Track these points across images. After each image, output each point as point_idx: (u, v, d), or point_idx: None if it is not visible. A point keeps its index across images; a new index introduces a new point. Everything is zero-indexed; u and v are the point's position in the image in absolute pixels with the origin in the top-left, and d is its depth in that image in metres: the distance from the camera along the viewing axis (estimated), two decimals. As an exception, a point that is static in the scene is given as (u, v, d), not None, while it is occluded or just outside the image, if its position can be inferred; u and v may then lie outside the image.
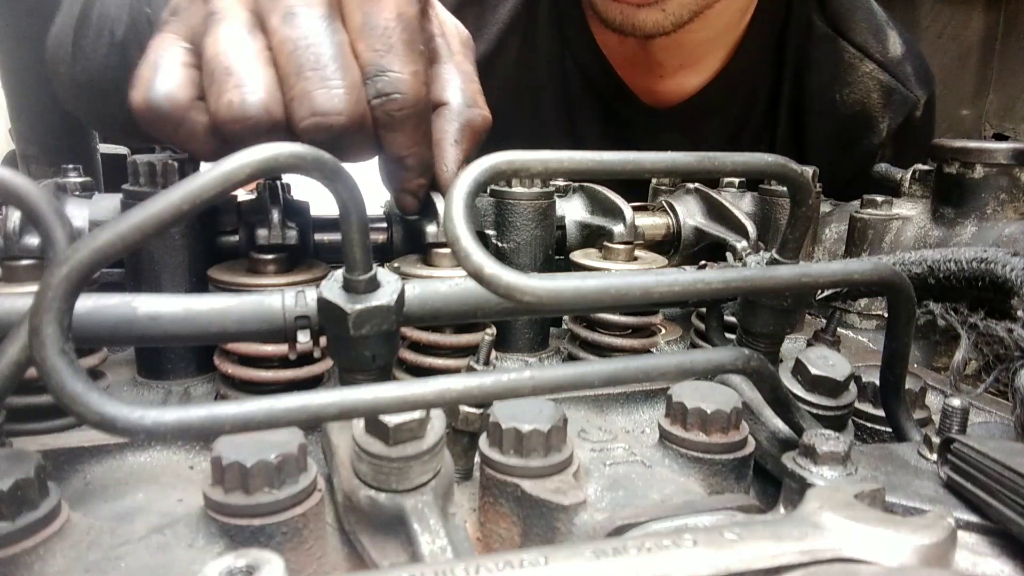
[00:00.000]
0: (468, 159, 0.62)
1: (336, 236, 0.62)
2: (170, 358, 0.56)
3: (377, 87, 0.50)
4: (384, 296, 0.38)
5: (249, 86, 0.48)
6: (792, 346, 0.68)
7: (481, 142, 0.63)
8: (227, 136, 0.49)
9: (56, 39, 0.97)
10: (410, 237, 0.66)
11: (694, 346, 0.66)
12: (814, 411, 0.47)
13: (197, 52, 0.51)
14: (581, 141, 1.25)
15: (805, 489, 0.34)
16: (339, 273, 0.39)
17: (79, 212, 0.58)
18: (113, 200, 0.59)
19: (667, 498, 0.39)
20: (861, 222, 0.80)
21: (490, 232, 0.64)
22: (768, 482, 0.46)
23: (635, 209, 0.68)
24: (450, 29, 0.63)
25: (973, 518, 0.35)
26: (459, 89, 0.61)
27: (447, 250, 0.58)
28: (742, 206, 0.78)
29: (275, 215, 0.55)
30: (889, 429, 0.49)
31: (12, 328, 0.34)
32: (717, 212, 0.75)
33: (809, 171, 0.71)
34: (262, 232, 0.55)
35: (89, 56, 0.91)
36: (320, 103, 0.48)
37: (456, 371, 0.54)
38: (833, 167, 1.22)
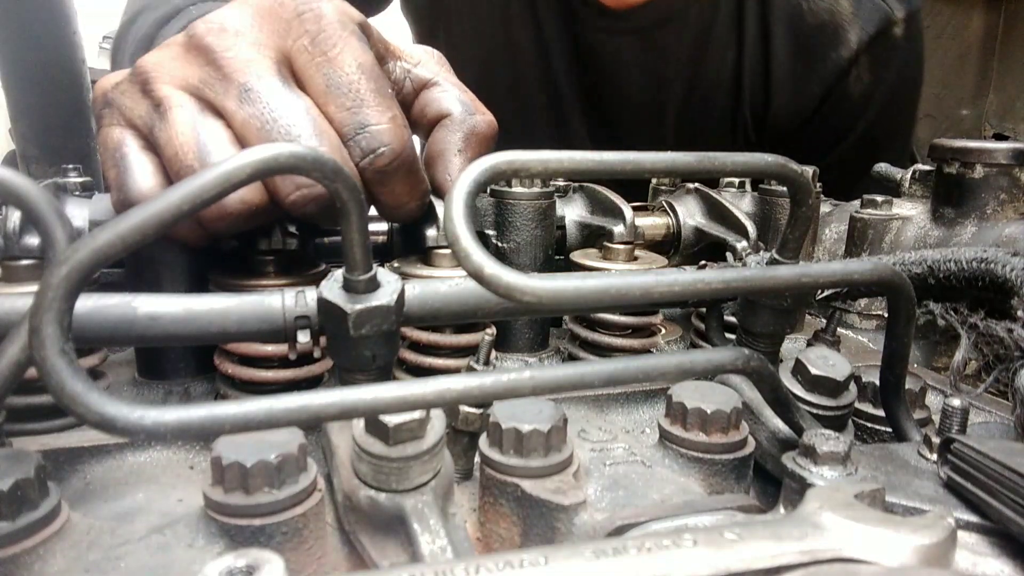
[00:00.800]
0: None
1: (336, 236, 0.62)
2: (170, 358, 0.56)
3: (361, 146, 0.49)
4: (384, 296, 0.38)
5: None
6: (792, 346, 0.68)
7: (489, 148, 0.62)
8: (213, 233, 0.49)
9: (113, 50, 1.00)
10: (410, 238, 0.66)
11: (694, 346, 0.66)
12: (814, 411, 0.47)
13: (147, 136, 0.50)
14: (545, 43, 1.26)
15: (805, 489, 0.34)
16: (339, 273, 0.39)
17: (79, 212, 0.58)
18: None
19: (667, 498, 0.39)
20: (861, 222, 0.80)
21: (490, 232, 0.64)
22: (768, 482, 0.46)
23: (635, 209, 0.68)
24: (421, 55, 0.62)
25: (973, 518, 0.35)
26: (457, 99, 0.60)
27: (447, 250, 0.58)
28: (742, 206, 0.77)
29: (276, 226, 0.55)
30: (889, 429, 0.49)
31: (12, 328, 0.34)
32: (717, 212, 0.75)
33: (809, 171, 0.71)
34: (262, 240, 0.55)
35: None
36: (302, 178, 0.47)
37: (456, 371, 0.54)
38: (801, 83, 1.21)
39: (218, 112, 0.49)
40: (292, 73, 0.50)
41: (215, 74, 0.48)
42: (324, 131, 0.48)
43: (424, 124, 0.61)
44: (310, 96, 0.50)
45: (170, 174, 0.49)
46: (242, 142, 0.48)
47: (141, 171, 0.49)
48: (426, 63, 0.61)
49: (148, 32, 0.98)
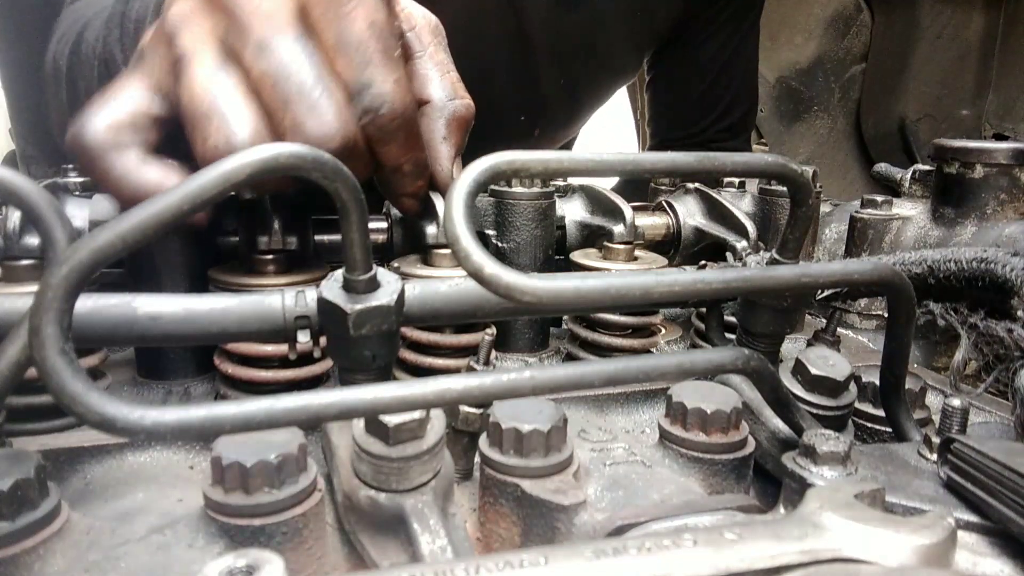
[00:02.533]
0: (459, 151, 0.62)
1: (336, 236, 0.62)
2: (170, 358, 0.56)
3: (364, 104, 0.50)
4: (384, 296, 0.38)
5: (233, 126, 0.47)
6: (792, 346, 0.68)
7: (469, 130, 0.63)
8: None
9: (50, 66, 0.96)
10: (410, 237, 0.66)
11: (694, 346, 0.66)
12: (814, 411, 0.47)
13: (165, 101, 0.50)
14: None
15: (805, 489, 0.34)
16: (339, 273, 0.39)
17: (79, 212, 0.58)
18: (113, 200, 0.59)
19: (667, 498, 0.39)
20: (861, 222, 0.80)
21: (490, 232, 0.64)
22: (768, 482, 0.46)
23: (635, 209, 0.68)
24: (418, 20, 0.62)
25: (973, 518, 0.35)
26: (438, 83, 0.60)
27: (447, 250, 0.58)
28: (742, 206, 0.77)
29: (276, 222, 0.55)
30: (889, 429, 0.49)
31: (12, 328, 0.34)
32: (717, 212, 0.75)
33: (809, 171, 0.71)
34: (263, 239, 0.55)
35: (80, 93, 0.90)
36: (312, 131, 0.47)
37: (456, 371, 0.54)
38: None
39: (238, 62, 0.49)
40: (308, 25, 0.50)
41: (234, 26, 0.49)
42: (333, 89, 0.49)
43: None
44: (321, 48, 0.50)
45: (185, 126, 0.49)
46: (257, 95, 0.49)
47: (115, 112, 0.50)
48: (420, 31, 0.62)
49: None
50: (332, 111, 0.48)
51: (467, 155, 0.71)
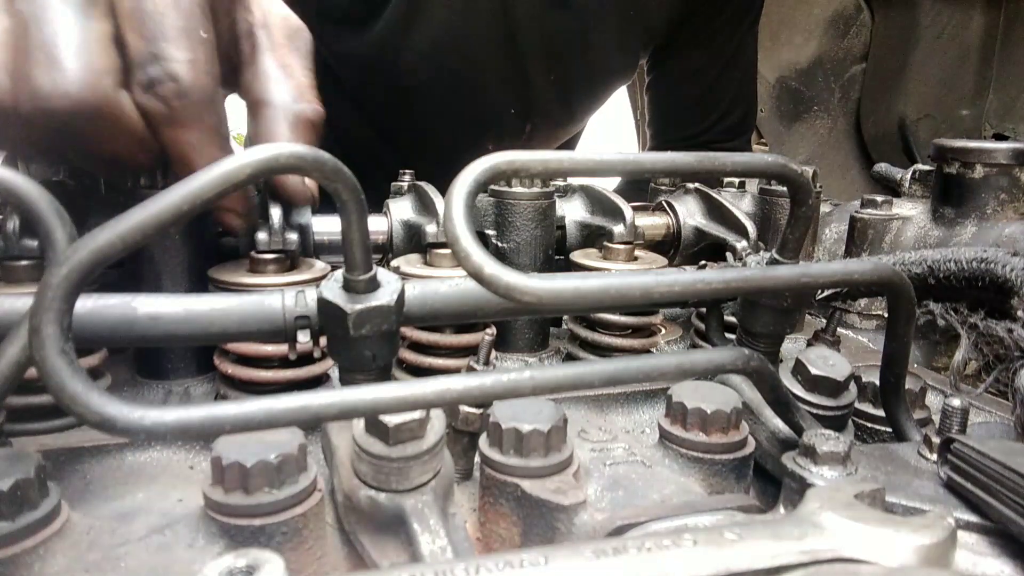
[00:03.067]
0: None
1: (336, 236, 0.62)
2: (170, 358, 0.56)
3: (147, 75, 0.46)
4: (384, 296, 0.38)
5: None
6: (792, 346, 0.68)
7: (319, 137, 0.58)
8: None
9: None
10: (410, 237, 0.66)
11: (694, 346, 0.66)
12: (814, 411, 0.47)
13: None
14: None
15: (805, 489, 0.34)
16: (339, 273, 0.39)
17: (79, 212, 0.58)
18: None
19: (667, 498, 0.39)
20: (861, 222, 0.80)
21: (490, 232, 0.64)
22: (768, 482, 0.46)
23: (635, 209, 0.68)
24: (273, 19, 0.58)
25: (973, 518, 0.35)
26: (281, 85, 0.57)
27: (447, 250, 0.58)
28: (742, 206, 0.78)
29: (275, 219, 0.55)
30: (889, 429, 0.49)
31: (12, 328, 0.34)
32: (717, 212, 0.75)
33: (809, 171, 0.71)
34: (262, 236, 0.55)
35: None
36: (41, 84, 0.44)
37: (456, 371, 0.54)
38: None
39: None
40: None
41: None
42: (92, 50, 0.45)
43: (248, 101, 0.58)
44: (110, 13, 0.47)
45: None
46: (12, 41, 0.45)
47: None
48: (272, 30, 0.58)
49: None
50: (75, 68, 0.44)
51: (457, 149, 0.70)
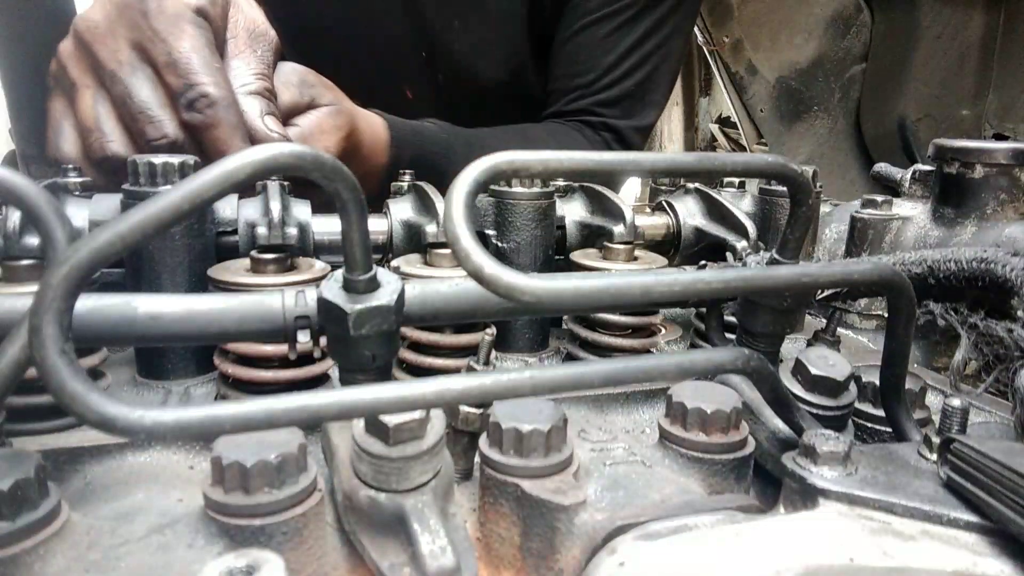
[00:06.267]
0: (270, 113, 0.75)
1: (336, 236, 0.62)
2: (170, 358, 0.56)
3: (188, 97, 0.68)
4: (384, 296, 0.38)
5: (107, 139, 0.70)
6: (792, 346, 0.68)
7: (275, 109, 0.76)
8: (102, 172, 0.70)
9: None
10: (410, 237, 0.66)
11: (694, 346, 0.66)
12: (814, 411, 0.47)
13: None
14: None
15: (805, 489, 0.34)
16: (339, 273, 0.39)
17: (79, 212, 0.58)
18: (113, 200, 0.59)
19: (667, 498, 0.39)
20: (861, 222, 0.80)
21: (490, 232, 0.64)
22: (768, 482, 0.46)
23: (635, 209, 0.68)
24: (240, 33, 0.77)
25: (973, 518, 0.35)
26: (242, 76, 0.75)
27: (447, 250, 0.58)
28: (742, 206, 0.78)
29: (275, 214, 0.55)
30: (889, 429, 0.49)
31: (12, 328, 0.34)
32: (717, 212, 0.75)
33: (809, 171, 0.71)
34: (262, 231, 0.55)
35: None
36: (150, 134, 0.68)
37: (456, 371, 0.54)
38: None
39: (104, 87, 0.71)
40: (142, 53, 0.70)
41: (96, 62, 0.70)
42: (162, 97, 0.69)
43: None
44: (156, 70, 0.70)
45: (81, 136, 0.71)
46: (117, 110, 0.70)
47: (65, 133, 0.73)
48: (239, 40, 0.77)
49: None
50: (165, 118, 0.69)
51: (374, 98, 0.92)
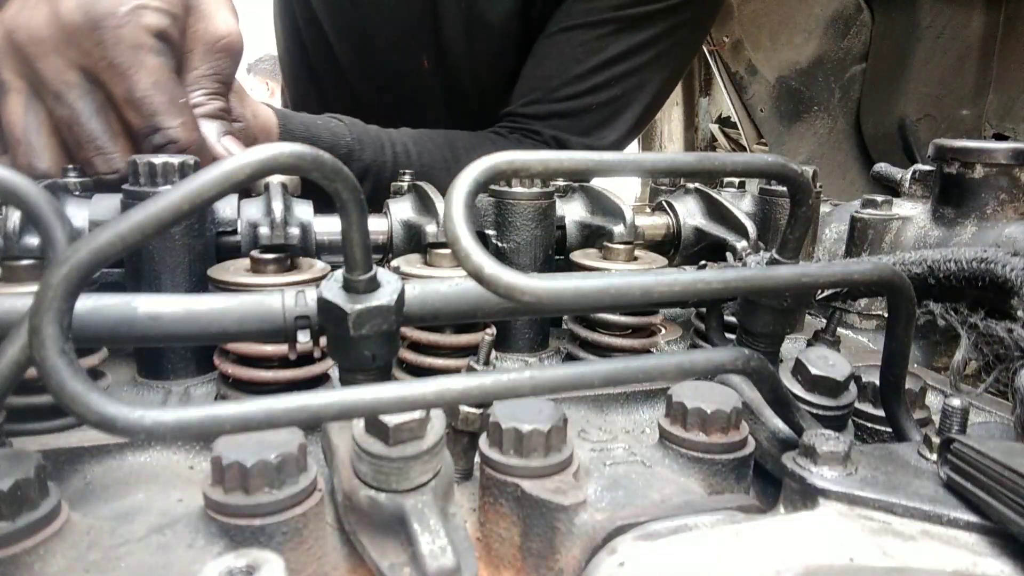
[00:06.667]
0: (226, 132, 0.72)
1: (336, 236, 0.62)
2: (170, 358, 0.56)
3: (154, 142, 0.64)
4: (384, 296, 0.38)
5: (36, 155, 0.64)
6: (792, 346, 0.68)
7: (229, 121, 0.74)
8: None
9: None
10: (410, 237, 0.66)
11: (694, 346, 0.66)
12: (814, 411, 0.47)
13: None
14: None
15: (805, 489, 0.34)
16: (339, 273, 0.39)
17: (79, 212, 0.58)
18: (113, 200, 0.59)
19: (667, 498, 0.39)
20: (861, 222, 0.80)
21: (490, 232, 0.64)
22: (768, 482, 0.46)
23: (635, 209, 0.68)
24: (198, 64, 0.72)
25: (973, 518, 0.35)
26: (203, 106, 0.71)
27: (447, 250, 0.58)
28: (742, 206, 0.78)
29: (278, 214, 0.55)
30: (889, 429, 0.49)
31: (12, 328, 0.34)
32: (717, 212, 0.75)
33: (809, 171, 0.71)
34: (264, 231, 0.55)
35: None
36: (100, 168, 0.64)
37: (456, 371, 0.54)
38: None
39: (43, 102, 0.64)
40: (94, 79, 0.64)
41: (35, 77, 0.64)
42: (118, 135, 0.65)
43: None
44: (110, 100, 0.64)
45: (6, 140, 0.66)
46: (54, 129, 0.65)
47: None
48: (193, 56, 0.72)
49: None
50: (116, 154, 0.64)
51: (366, 76, 0.93)
